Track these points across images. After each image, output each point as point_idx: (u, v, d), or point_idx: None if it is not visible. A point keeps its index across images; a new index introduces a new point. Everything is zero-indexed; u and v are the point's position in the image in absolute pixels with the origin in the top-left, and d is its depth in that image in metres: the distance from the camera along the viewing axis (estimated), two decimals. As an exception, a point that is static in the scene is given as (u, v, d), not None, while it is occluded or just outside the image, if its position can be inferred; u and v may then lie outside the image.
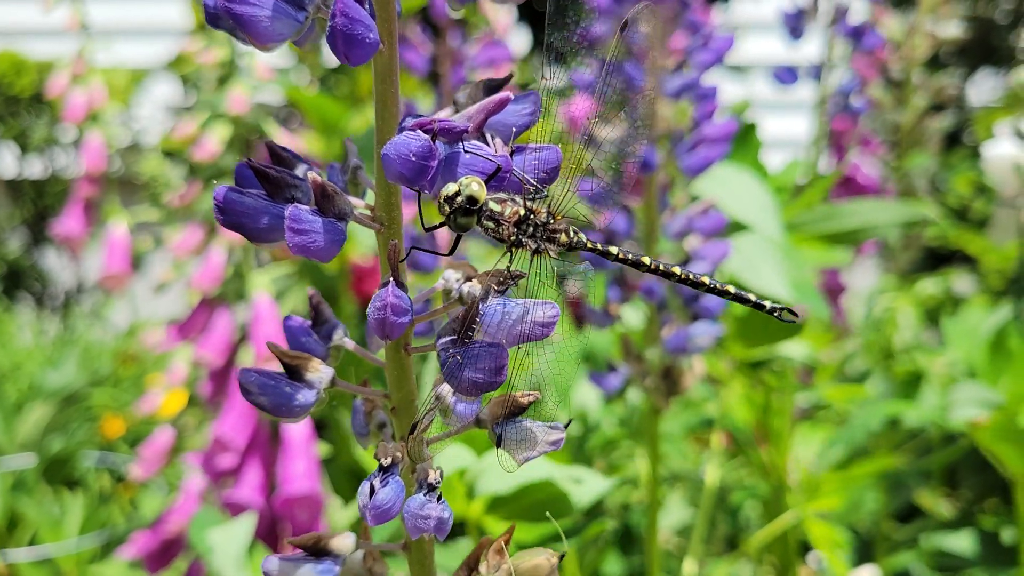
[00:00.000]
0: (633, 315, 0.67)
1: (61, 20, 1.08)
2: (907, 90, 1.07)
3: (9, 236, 2.64)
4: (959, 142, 2.09)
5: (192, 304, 0.88)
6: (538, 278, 0.33)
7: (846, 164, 1.12)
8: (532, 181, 0.33)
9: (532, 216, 0.33)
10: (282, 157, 0.33)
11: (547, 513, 0.52)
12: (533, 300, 0.32)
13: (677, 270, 0.37)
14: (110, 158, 1.11)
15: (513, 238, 0.33)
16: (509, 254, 0.33)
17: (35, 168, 2.55)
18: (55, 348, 2.00)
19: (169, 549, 0.90)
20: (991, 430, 0.77)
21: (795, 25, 0.93)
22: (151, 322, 1.49)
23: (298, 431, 0.81)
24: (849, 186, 1.15)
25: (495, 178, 0.31)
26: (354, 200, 0.33)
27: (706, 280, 0.37)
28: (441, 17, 0.84)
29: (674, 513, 1.12)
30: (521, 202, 0.33)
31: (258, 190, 0.32)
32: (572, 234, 0.34)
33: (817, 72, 0.94)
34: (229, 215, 0.31)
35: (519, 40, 2.11)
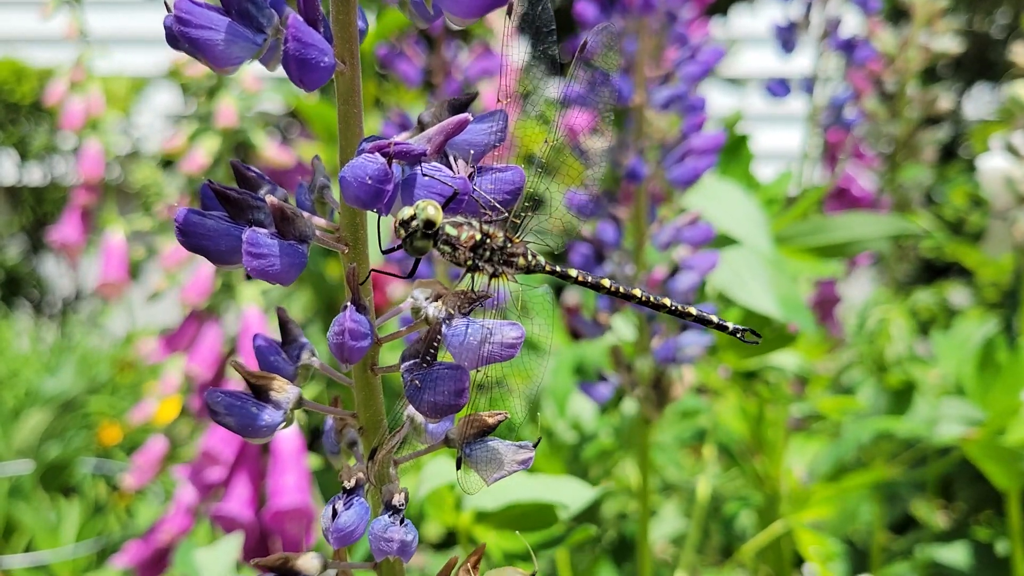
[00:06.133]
0: (623, 325, 0.68)
1: (62, 27, 1.08)
2: (901, 103, 1.08)
3: (8, 243, 2.64)
4: (955, 155, 2.10)
5: (182, 316, 0.88)
6: (495, 305, 0.33)
7: (838, 176, 1.13)
8: (493, 202, 0.33)
9: (488, 240, 0.33)
10: (247, 178, 0.33)
11: (533, 524, 0.53)
12: (498, 321, 0.31)
13: (637, 292, 0.37)
14: (108, 166, 1.11)
15: (470, 262, 0.33)
16: (467, 277, 0.33)
17: (35, 175, 2.55)
18: (53, 355, 2.00)
19: (161, 559, 0.90)
20: (977, 446, 0.77)
21: (787, 38, 0.93)
22: (148, 330, 1.50)
23: (288, 443, 0.81)
24: (844, 198, 1.15)
25: (453, 201, 0.31)
26: (319, 220, 0.32)
27: (666, 302, 0.38)
28: (435, 29, 0.84)
29: (668, 523, 1.12)
30: (478, 226, 0.33)
31: (220, 212, 0.31)
32: (530, 257, 0.35)
33: (809, 85, 0.95)
34: (190, 237, 0.31)
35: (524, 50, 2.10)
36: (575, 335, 1.02)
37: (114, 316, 2.24)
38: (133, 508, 1.41)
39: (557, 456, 0.86)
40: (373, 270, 0.33)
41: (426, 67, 0.86)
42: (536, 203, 0.36)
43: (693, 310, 0.39)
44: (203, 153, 0.80)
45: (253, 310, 0.85)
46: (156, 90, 2.25)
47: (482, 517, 0.56)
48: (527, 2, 0.35)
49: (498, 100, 0.34)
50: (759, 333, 0.38)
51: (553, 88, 0.37)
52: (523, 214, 0.35)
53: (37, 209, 2.54)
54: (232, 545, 0.74)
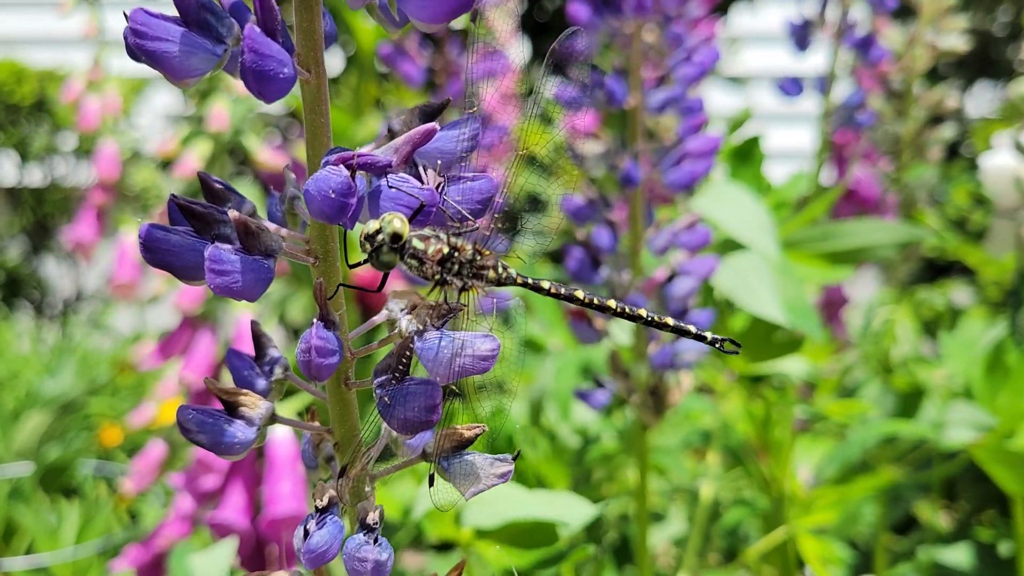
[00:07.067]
0: (619, 331, 0.67)
1: (63, 29, 1.06)
2: (907, 101, 1.07)
3: (8, 244, 2.64)
4: (958, 154, 2.09)
5: (176, 322, 0.87)
6: (466, 315, 0.32)
7: (849, 178, 1.12)
8: (462, 212, 0.32)
9: (457, 253, 0.32)
10: (214, 191, 0.32)
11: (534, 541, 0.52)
12: (470, 333, 0.30)
13: (612, 303, 0.36)
14: (124, 166, 1.10)
15: (437, 277, 0.32)
16: (435, 291, 0.32)
17: (35, 176, 2.54)
18: (53, 356, 1.99)
19: (160, 564, 0.89)
20: (986, 451, 0.77)
21: (802, 36, 0.92)
22: (154, 332, 1.49)
23: (284, 450, 0.80)
24: (851, 199, 1.14)
25: (421, 213, 0.30)
26: (288, 233, 0.31)
27: (642, 313, 0.37)
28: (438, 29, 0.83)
29: (674, 526, 1.11)
30: (446, 239, 0.32)
31: (186, 227, 0.30)
32: (501, 270, 0.33)
33: (822, 84, 0.93)
34: (154, 253, 0.30)
35: (520, 50, 2.10)
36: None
37: (120, 316, 2.24)
38: (134, 510, 1.40)
39: (560, 460, 0.85)
40: (341, 284, 0.32)
41: (429, 67, 0.86)
42: (534, 203, 0.35)
43: (670, 321, 0.37)
44: (195, 157, 0.79)
45: (246, 316, 0.84)
46: (156, 91, 2.25)
47: (482, 533, 0.55)
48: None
49: (465, 95, 0.33)
50: (739, 343, 0.37)
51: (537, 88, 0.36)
52: (521, 215, 0.34)
53: (37, 210, 2.53)
54: (226, 551, 0.73)
